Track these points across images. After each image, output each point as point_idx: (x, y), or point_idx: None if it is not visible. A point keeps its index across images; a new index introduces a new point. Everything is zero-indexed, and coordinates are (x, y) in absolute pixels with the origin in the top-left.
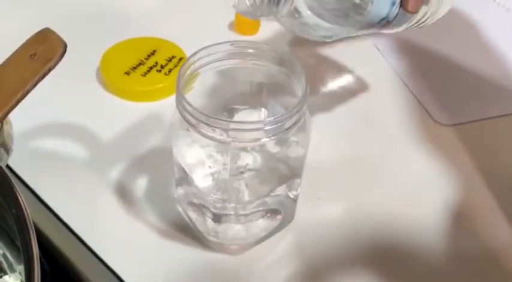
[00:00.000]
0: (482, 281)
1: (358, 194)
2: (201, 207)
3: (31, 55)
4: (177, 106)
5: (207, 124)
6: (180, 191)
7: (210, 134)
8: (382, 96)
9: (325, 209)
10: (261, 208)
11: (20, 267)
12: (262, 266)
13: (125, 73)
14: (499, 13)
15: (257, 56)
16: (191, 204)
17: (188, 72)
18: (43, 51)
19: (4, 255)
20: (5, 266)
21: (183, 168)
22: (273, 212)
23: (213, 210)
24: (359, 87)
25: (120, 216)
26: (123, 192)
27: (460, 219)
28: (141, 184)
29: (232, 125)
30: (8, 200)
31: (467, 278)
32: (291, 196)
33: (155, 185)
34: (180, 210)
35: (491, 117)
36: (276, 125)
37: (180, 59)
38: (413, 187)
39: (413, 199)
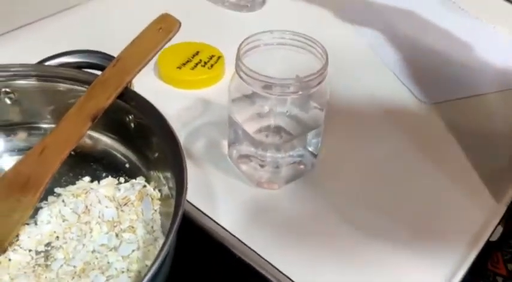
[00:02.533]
0: None
1: (359, 156)
2: (249, 157)
3: (159, 29)
4: (236, 70)
5: (258, 80)
6: (232, 149)
7: (261, 90)
8: (372, 82)
9: (337, 164)
10: (289, 158)
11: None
12: (291, 198)
13: (177, 67)
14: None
15: (290, 41)
16: (241, 157)
17: (243, 48)
18: (165, 27)
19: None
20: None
21: (238, 126)
22: (298, 162)
23: (259, 158)
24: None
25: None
26: (187, 154)
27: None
28: (199, 147)
29: (277, 81)
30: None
31: None
32: (311, 150)
33: (210, 147)
34: (232, 164)
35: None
36: (308, 80)
37: (219, 57)
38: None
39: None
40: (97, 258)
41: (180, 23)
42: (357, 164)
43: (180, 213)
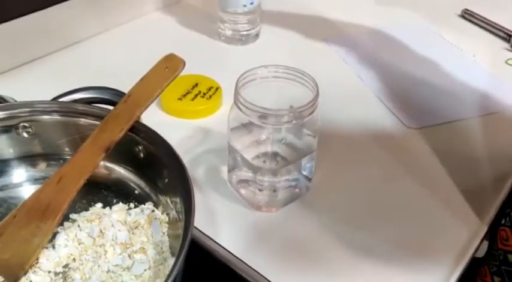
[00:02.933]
0: None
1: (350, 178)
2: (248, 182)
3: (165, 68)
4: (235, 102)
5: (255, 111)
6: (232, 174)
7: (257, 120)
8: (360, 109)
9: (330, 187)
10: (285, 183)
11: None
12: (288, 220)
13: (178, 99)
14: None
15: (283, 74)
16: (240, 182)
17: (240, 82)
18: (171, 66)
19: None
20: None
21: (237, 152)
22: (293, 185)
23: (257, 182)
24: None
25: None
26: None
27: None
28: (200, 173)
29: (273, 111)
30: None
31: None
32: (305, 174)
33: (211, 173)
34: (232, 188)
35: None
36: (301, 110)
37: (217, 89)
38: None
39: (393, 173)
40: (112, 278)
41: (184, 63)
42: (348, 186)
43: (189, 236)
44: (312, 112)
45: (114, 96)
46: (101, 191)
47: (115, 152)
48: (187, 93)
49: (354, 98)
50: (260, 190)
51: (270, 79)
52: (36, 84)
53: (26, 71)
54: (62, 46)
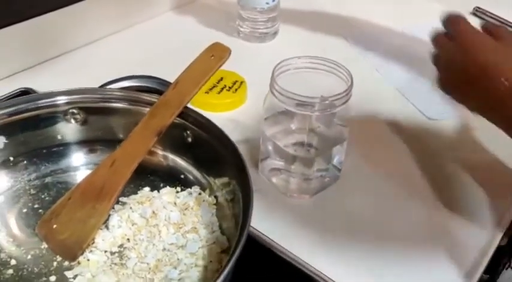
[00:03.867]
0: None
1: (377, 167)
2: (280, 170)
3: (211, 56)
4: (271, 90)
5: (291, 99)
6: (264, 163)
7: (293, 107)
8: (382, 103)
9: (358, 177)
10: (316, 172)
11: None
12: (319, 207)
13: (205, 92)
14: None
15: (316, 65)
16: (272, 170)
17: (276, 71)
18: (217, 54)
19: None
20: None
21: (270, 141)
22: (323, 175)
23: (289, 170)
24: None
25: None
26: None
27: None
28: None
29: (307, 99)
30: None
31: None
32: (335, 164)
33: None
34: (263, 177)
35: None
36: (336, 99)
37: (241, 82)
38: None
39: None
40: (168, 256)
41: (230, 51)
42: (374, 176)
43: (249, 216)
44: (345, 101)
45: (158, 85)
46: (147, 176)
47: (162, 138)
48: (213, 87)
49: (375, 93)
50: (292, 178)
51: (303, 70)
52: (60, 79)
53: (49, 66)
54: (85, 43)
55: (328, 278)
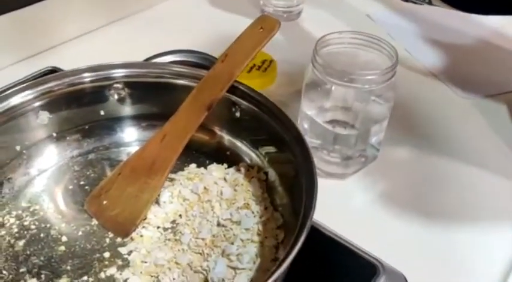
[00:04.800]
0: None
1: (412, 148)
2: (318, 149)
3: (259, 28)
4: (313, 65)
5: (334, 73)
6: None
7: (337, 81)
8: (413, 82)
9: (398, 156)
10: (354, 150)
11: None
12: (357, 186)
13: None
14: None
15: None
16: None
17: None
18: (266, 26)
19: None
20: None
21: (309, 118)
22: (362, 154)
23: (328, 149)
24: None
25: None
26: None
27: None
28: None
29: (349, 74)
30: None
31: None
32: (373, 143)
33: None
34: None
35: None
36: (382, 74)
37: (271, 62)
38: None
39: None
40: (223, 231)
41: (279, 23)
42: (412, 157)
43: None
44: (389, 78)
45: (201, 59)
46: (192, 153)
47: (209, 115)
48: None
49: (406, 72)
50: (330, 157)
51: (345, 45)
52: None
53: (76, 43)
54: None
55: (372, 255)
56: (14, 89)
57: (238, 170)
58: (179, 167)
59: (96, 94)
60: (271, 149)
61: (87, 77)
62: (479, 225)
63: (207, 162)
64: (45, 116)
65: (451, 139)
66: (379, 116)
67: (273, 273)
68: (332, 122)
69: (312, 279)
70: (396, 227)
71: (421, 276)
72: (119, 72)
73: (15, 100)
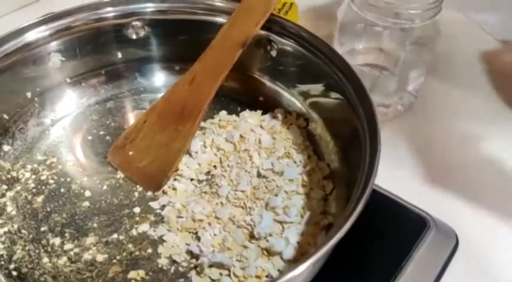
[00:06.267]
0: None
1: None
2: None
3: None
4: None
5: (377, 7)
6: None
7: (375, 18)
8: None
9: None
10: (390, 96)
11: None
12: (394, 134)
13: None
14: None
15: None
16: None
17: None
18: None
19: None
20: None
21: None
22: (398, 101)
23: None
24: None
25: None
26: None
27: None
28: None
29: (399, 8)
30: None
31: None
32: (410, 90)
33: None
34: None
35: None
36: (427, 10)
37: (291, 4)
38: None
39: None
40: (264, 183)
41: None
42: (451, 105)
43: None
44: (433, 15)
45: None
46: (221, 99)
47: None
48: None
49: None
50: None
51: None
52: None
53: None
54: None
55: (422, 209)
56: (30, 23)
57: (275, 117)
58: (208, 114)
59: (112, 33)
60: (314, 90)
61: (102, 13)
62: None
63: (239, 109)
64: (57, 58)
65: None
66: (418, 59)
67: (338, 229)
68: (370, 65)
69: (361, 234)
70: (442, 181)
71: (473, 232)
72: (136, 9)
73: (30, 36)
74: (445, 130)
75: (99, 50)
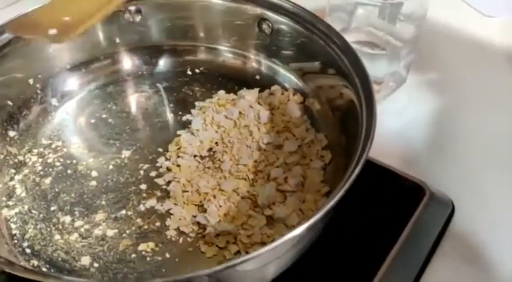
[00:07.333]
0: None
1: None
2: None
3: None
4: None
5: None
6: None
7: None
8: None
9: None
10: (382, 73)
11: None
12: (388, 111)
13: None
14: None
15: None
16: None
17: None
18: None
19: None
20: None
21: None
22: (389, 78)
23: None
24: None
25: None
26: None
27: None
28: None
29: None
30: None
31: None
32: (402, 66)
33: None
34: None
35: None
36: None
37: None
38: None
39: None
40: (265, 156)
41: None
42: (442, 82)
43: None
44: None
45: None
46: (218, 79)
47: (230, 32)
48: None
49: None
50: None
51: None
52: None
53: None
54: None
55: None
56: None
57: (272, 94)
58: (206, 95)
59: (110, 19)
60: (309, 66)
61: None
62: None
63: (236, 88)
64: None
65: (481, 61)
66: (408, 36)
67: (335, 194)
68: (361, 43)
69: (359, 204)
70: (436, 152)
71: (468, 203)
72: None
73: None
74: (438, 102)
75: (98, 36)
